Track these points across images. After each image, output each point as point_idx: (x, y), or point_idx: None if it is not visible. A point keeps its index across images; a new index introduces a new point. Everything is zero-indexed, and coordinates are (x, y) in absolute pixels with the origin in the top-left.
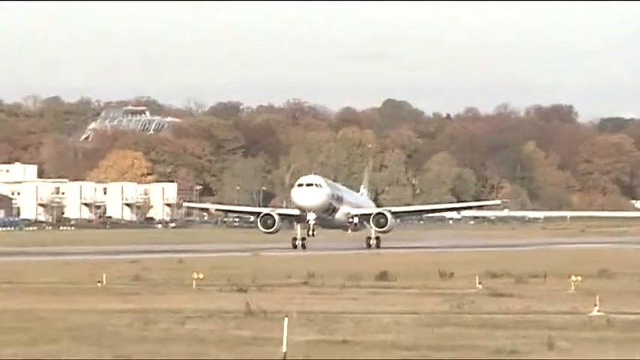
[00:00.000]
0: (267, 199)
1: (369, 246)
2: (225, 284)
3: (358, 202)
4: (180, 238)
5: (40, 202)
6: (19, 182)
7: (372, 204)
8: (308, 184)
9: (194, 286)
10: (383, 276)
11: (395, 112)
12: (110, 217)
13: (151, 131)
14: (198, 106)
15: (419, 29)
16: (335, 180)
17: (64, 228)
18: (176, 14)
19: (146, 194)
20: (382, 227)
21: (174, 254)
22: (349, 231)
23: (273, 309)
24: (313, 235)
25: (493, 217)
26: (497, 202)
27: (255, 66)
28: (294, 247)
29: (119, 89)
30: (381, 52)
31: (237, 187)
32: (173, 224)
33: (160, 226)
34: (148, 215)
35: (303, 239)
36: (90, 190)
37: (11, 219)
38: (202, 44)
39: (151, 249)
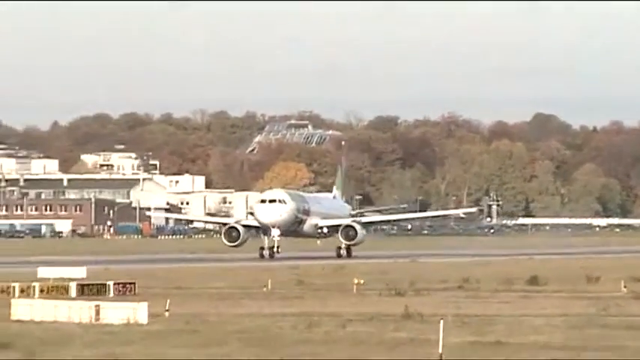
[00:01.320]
0: (423, 208)
1: (339, 255)
2: (384, 289)
3: (328, 210)
4: None
5: (207, 211)
6: (188, 192)
7: (346, 207)
8: (271, 201)
9: (355, 290)
10: (534, 280)
11: (544, 125)
12: None
13: (314, 144)
14: (358, 120)
15: (564, 43)
16: (487, 190)
17: None
18: (338, 33)
19: None
20: (351, 240)
21: (337, 260)
22: (319, 242)
23: (430, 312)
24: (278, 252)
25: (638, 225)
26: (473, 209)
27: (412, 81)
28: (262, 256)
29: (283, 104)
30: (531, 66)
31: (395, 197)
32: None
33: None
34: None
35: (270, 248)
36: (255, 199)
37: (180, 227)
38: (362, 60)
39: (314, 255)
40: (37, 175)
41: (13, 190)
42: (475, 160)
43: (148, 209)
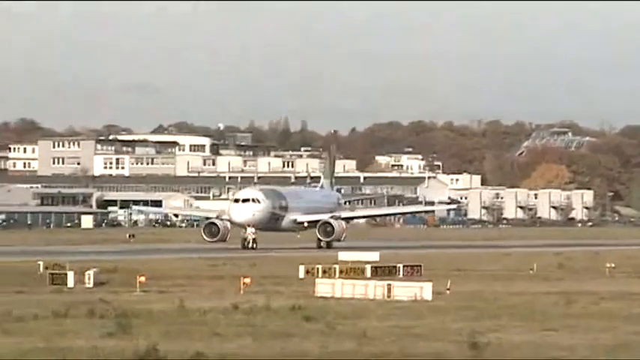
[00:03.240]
0: None
1: (319, 247)
2: (632, 272)
3: (310, 204)
4: (596, 235)
5: (483, 205)
6: (467, 189)
7: (333, 196)
8: (244, 200)
9: (607, 273)
10: None
11: None
12: (540, 218)
13: (573, 148)
14: (611, 128)
15: None
16: None
17: (502, 226)
18: (591, 53)
19: (568, 199)
20: (329, 236)
21: (591, 247)
22: (298, 235)
23: None
24: (254, 247)
25: None
26: (453, 206)
27: None
28: (244, 247)
29: (548, 114)
30: None
31: None
32: (590, 223)
33: (579, 224)
34: (570, 216)
35: (251, 241)
36: (523, 195)
37: (459, 218)
38: (613, 77)
39: (572, 243)
40: (338, 173)
41: (317, 186)
42: None
43: (433, 203)
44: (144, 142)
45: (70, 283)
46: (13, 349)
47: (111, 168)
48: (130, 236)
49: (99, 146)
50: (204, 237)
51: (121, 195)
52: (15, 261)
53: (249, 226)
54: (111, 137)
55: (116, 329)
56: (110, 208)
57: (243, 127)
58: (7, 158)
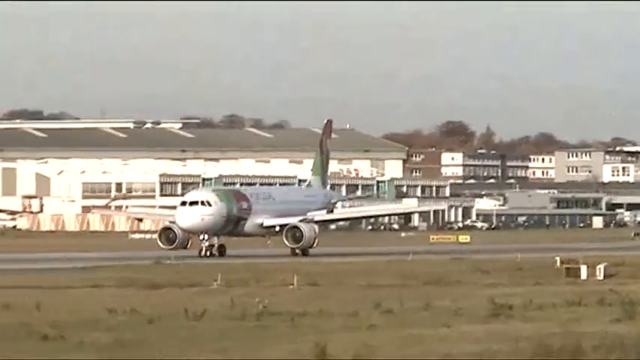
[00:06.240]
0: None
1: (294, 254)
2: None
3: (284, 205)
4: None
5: None
6: None
7: (322, 194)
8: (192, 203)
9: None
10: None
11: None
12: None
13: None
14: None
15: None
16: None
17: None
18: None
19: None
20: (298, 242)
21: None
22: (268, 241)
23: None
24: (207, 255)
25: None
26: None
27: None
28: (200, 255)
29: None
30: None
31: None
32: None
33: None
34: None
35: (209, 248)
36: None
37: None
38: None
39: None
40: None
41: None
42: None
43: None
44: None
45: (583, 275)
46: (532, 333)
47: (618, 175)
48: (635, 235)
49: (607, 156)
50: (160, 244)
51: (626, 199)
52: (535, 257)
53: (200, 232)
54: (617, 149)
55: (623, 315)
56: (618, 210)
57: None
58: (527, 167)
